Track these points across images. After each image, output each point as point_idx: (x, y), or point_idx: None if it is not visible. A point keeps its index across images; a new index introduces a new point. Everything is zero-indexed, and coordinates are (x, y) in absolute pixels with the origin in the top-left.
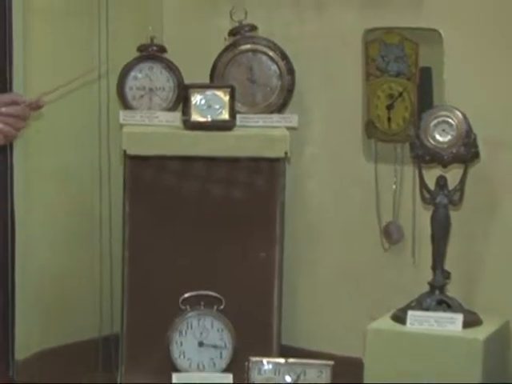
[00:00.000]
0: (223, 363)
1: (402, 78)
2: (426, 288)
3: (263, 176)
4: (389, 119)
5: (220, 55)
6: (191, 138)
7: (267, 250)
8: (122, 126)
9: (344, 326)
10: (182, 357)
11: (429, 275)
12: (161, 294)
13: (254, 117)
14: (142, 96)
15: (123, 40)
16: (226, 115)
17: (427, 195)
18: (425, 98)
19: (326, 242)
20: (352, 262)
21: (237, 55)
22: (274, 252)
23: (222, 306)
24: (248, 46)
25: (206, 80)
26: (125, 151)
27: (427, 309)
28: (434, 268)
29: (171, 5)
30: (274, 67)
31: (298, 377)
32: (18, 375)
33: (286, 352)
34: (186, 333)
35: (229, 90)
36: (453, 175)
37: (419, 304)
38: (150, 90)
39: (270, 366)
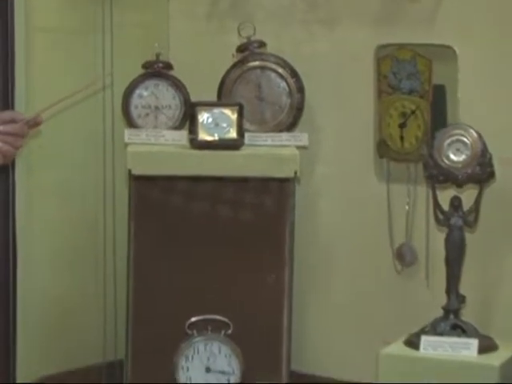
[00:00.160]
0: None
1: (414, 96)
2: (440, 312)
3: (272, 196)
4: (401, 138)
5: (228, 72)
6: (198, 157)
7: (276, 272)
8: (126, 144)
9: (356, 350)
10: (188, 383)
11: (443, 299)
12: (167, 318)
13: (262, 135)
14: (147, 114)
15: (128, 57)
16: (233, 134)
17: (441, 216)
18: (438, 117)
19: (337, 265)
20: (364, 285)
21: (245, 72)
22: (284, 274)
23: (229, 331)
24: (256, 63)
25: (214, 98)
26: (130, 171)
27: (441, 334)
28: (448, 292)
29: (177, 21)
30: (283, 84)
31: None
32: None
33: (295, 378)
34: (192, 358)
35: (237, 107)
36: (468, 196)
37: (433, 329)
38: (156, 108)
39: None
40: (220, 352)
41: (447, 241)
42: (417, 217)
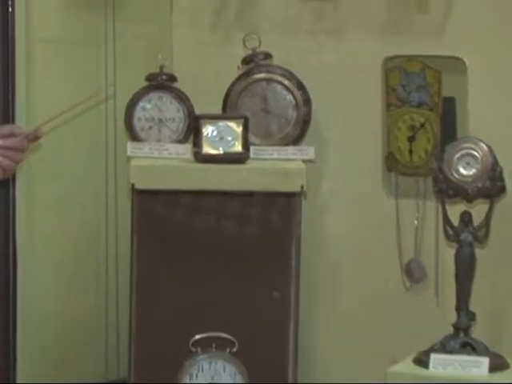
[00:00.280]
0: None
1: (424, 109)
2: (450, 330)
3: (278, 211)
4: (410, 152)
5: (233, 84)
6: (203, 171)
7: (282, 289)
8: (129, 158)
9: (363, 368)
10: None
11: (453, 316)
12: (170, 336)
13: (268, 149)
14: (150, 127)
15: (131, 69)
16: (239, 147)
17: (451, 232)
18: (448, 130)
19: (345, 281)
20: (372, 302)
21: (250, 84)
22: (290, 291)
23: (234, 349)
24: (262, 75)
25: (218, 110)
26: (133, 185)
27: (451, 352)
28: (458, 309)
29: (181, 32)
30: (289, 97)
31: None
32: None
33: None
34: (196, 376)
35: (242, 120)
36: (478, 211)
37: (443, 347)
38: (160, 121)
39: None
40: (225, 371)
41: (457, 257)
42: (426, 232)
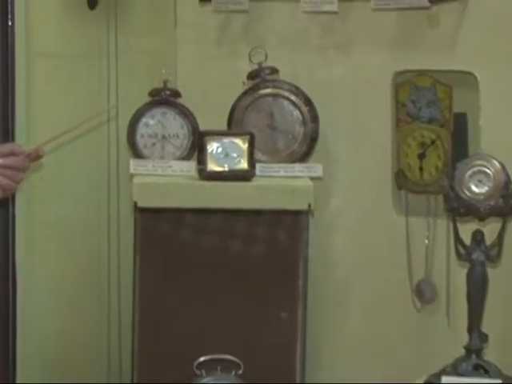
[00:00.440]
0: None
1: (434, 125)
2: (462, 351)
3: (285, 230)
4: (421, 169)
5: (238, 100)
6: (207, 189)
7: (289, 309)
8: (132, 175)
9: None
10: None
11: (464, 338)
12: (174, 358)
13: (274, 166)
14: (154, 144)
15: (134, 84)
16: (244, 164)
17: (462, 251)
18: (459, 146)
19: (353, 302)
20: (381, 323)
21: (256, 100)
22: (297, 311)
23: (240, 371)
24: (268, 90)
25: (223, 127)
26: (135, 203)
27: (463, 374)
28: (469, 330)
29: (185, 46)
30: (296, 113)
31: None
32: None
33: None
34: None
35: (248, 137)
36: (490, 229)
37: (454, 369)
38: (163, 137)
39: None
40: None
41: (469, 276)
42: (437, 251)
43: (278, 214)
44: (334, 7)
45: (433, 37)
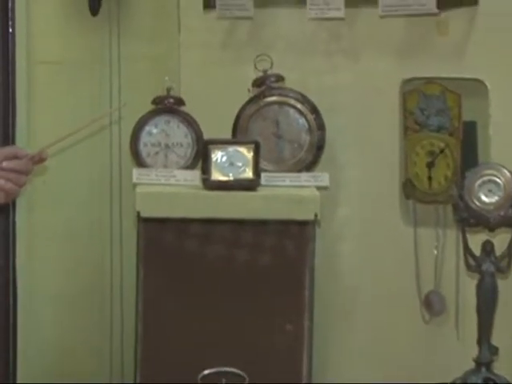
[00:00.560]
0: None
1: (443, 133)
2: (471, 365)
3: (291, 240)
4: (429, 178)
5: (243, 108)
6: (212, 198)
7: (295, 321)
8: (135, 185)
9: None
10: None
11: (474, 350)
12: (178, 371)
13: (280, 175)
14: (157, 153)
15: (137, 92)
16: (249, 174)
17: (472, 262)
18: (469, 155)
19: (360, 314)
20: (389, 336)
21: (262, 108)
22: (303, 323)
23: None
24: (274, 98)
25: (228, 135)
26: (138, 213)
27: None
28: (479, 342)
29: (189, 53)
30: (302, 121)
31: None
32: None
33: None
34: None
35: (253, 146)
36: (500, 240)
37: (464, 382)
38: (166, 146)
39: None
40: None
41: (478, 288)
42: (446, 262)
43: (283, 224)
44: (340, 13)
45: (441, 44)
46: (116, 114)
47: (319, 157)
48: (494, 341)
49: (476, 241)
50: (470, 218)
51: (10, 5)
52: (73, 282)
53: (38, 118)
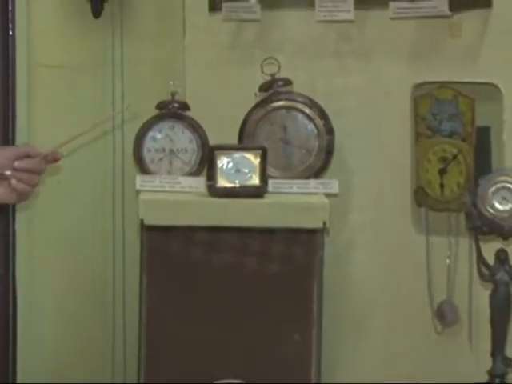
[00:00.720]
0: None
1: (456, 139)
2: (485, 377)
3: (299, 249)
4: (441, 185)
5: (250, 113)
6: (217, 206)
7: (303, 332)
8: (138, 192)
9: None
10: None
11: (488, 362)
12: (183, 381)
13: (288, 182)
14: (161, 159)
15: (140, 96)
16: (256, 180)
17: (486, 271)
18: (482, 162)
19: (371, 324)
20: (400, 347)
21: (269, 113)
22: (311, 334)
23: None
24: (281, 103)
25: (234, 141)
26: (142, 221)
27: None
28: (493, 354)
29: (194, 57)
30: (310, 126)
31: None
32: None
33: None
34: None
35: (260, 151)
36: None
37: None
38: (171, 152)
39: None
40: None
41: (492, 298)
42: (459, 272)
43: (291, 233)
44: (350, 16)
45: (454, 47)
46: (119, 117)
47: (328, 163)
48: (509, 352)
49: (490, 249)
50: (483, 226)
51: (10, 6)
52: (74, 291)
53: (39, 123)
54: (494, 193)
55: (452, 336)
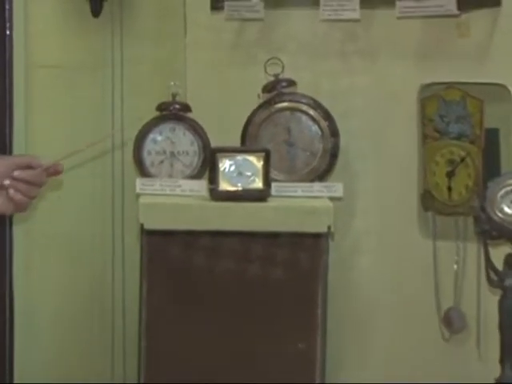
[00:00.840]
0: None
1: (464, 141)
2: None
3: (303, 253)
4: (449, 188)
5: (253, 114)
6: (219, 210)
7: (307, 339)
8: (138, 195)
9: None
10: None
11: (496, 370)
12: None
13: (291, 185)
14: (162, 161)
15: (140, 97)
16: (259, 184)
17: (494, 277)
18: (491, 164)
19: (376, 331)
20: (406, 354)
21: (272, 114)
22: (315, 341)
23: None
24: (285, 104)
25: (237, 143)
26: (142, 225)
27: None
28: (502, 362)
29: (196, 56)
30: (315, 128)
31: None
32: None
33: None
34: None
35: (263, 154)
36: None
37: None
38: (172, 154)
39: None
40: None
41: (501, 304)
42: (466, 277)
43: (295, 237)
44: (356, 15)
45: (462, 47)
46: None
47: (333, 165)
48: None
49: (498, 254)
50: (492, 231)
51: (7, 5)
52: (73, 298)
53: (37, 125)
54: (503, 196)
55: (459, 343)
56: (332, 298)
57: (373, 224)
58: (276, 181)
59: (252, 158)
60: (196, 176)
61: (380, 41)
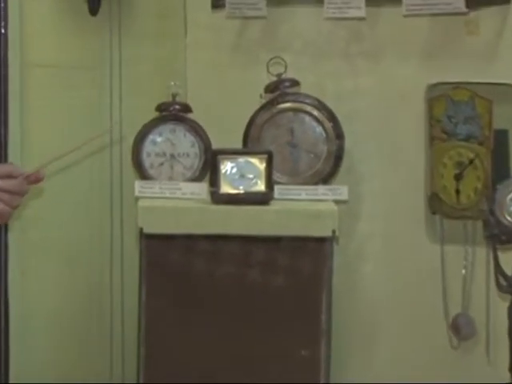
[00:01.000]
0: None
1: (473, 143)
2: None
3: (307, 258)
4: (457, 191)
5: (255, 115)
6: (221, 213)
7: (311, 346)
8: (137, 198)
9: None
10: None
11: (506, 377)
12: None
13: (295, 188)
14: (161, 163)
15: (140, 98)
16: (261, 186)
17: (503, 282)
18: (500, 166)
19: (383, 338)
20: (414, 362)
21: (275, 115)
22: (319, 349)
23: None
24: (288, 105)
25: (238, 145)
26: (141, 229)
27: None
28: (511, 370)
29: (196, 56)
30: (319, 129)
31: None
32: None
33: None
34: None
35: (265, 156)
36: None
37: None
38: (172, 156)
39: None
40: None
41: (510, 310)
42: (475, 282)
43: (299, 241)
44: (361, 12)
45: (470, 45)
46: (116, 127)
47: (338, 168)
48: None
49: (508, 259)
50: (501, 235)
51: (2, 3)
52: (70, 302)
53: (33, 125)
54: None
55: (468, 350)
56: (337, 304)
57: (379, 228)
58: (279, 183)
59: (254, 160)
60: (197, 178)
61: (386, 39)
